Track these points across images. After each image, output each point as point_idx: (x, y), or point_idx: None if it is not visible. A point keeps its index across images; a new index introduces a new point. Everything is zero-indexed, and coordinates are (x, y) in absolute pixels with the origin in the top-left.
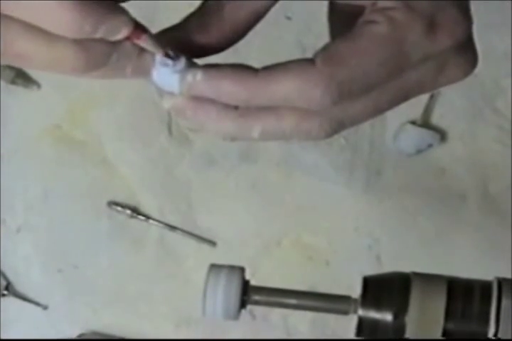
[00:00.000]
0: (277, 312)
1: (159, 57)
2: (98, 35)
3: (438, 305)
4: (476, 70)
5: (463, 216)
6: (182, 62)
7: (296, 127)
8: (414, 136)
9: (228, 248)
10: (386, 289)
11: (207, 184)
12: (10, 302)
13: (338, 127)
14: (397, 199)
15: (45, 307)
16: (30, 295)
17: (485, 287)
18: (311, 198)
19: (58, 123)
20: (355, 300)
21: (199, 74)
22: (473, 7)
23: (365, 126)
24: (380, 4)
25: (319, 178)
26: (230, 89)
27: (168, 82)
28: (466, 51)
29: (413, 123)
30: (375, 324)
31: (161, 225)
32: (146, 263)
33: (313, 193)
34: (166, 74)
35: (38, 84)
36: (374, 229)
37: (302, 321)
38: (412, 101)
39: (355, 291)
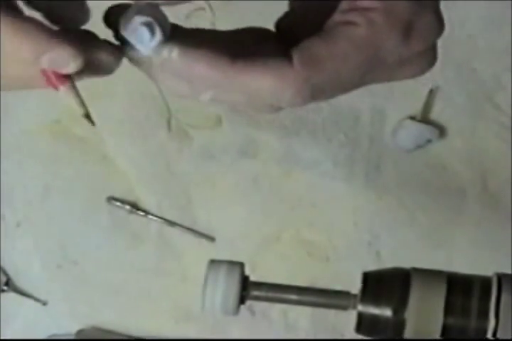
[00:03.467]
0: (277, 307)
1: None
2: (44, 65)
3: (437, 300)
4: (476, 65)
5: (462, 211)
6: (157, 38)
7: (247, 104)
8: (414, 132)
9: (227, 243)
10: (386, 285)
11: (206, 179)
12: (10, 297)
13: (280, 110)
14: (396, 194)
15: (44, 303)
16: (30, 290)
17: (484, 282)
18: (310, 194)
19: (58, 118)
20: (354, 295)
21: (175, 52)
22: (474, 3)
23: (365, 122)
24: (360, 3)
25: (319, 174)
26: (203, 72)
27: (140, 47)
28: (429, 53)
29: (412, 118)
30: (375, 319)
31: (160, 220)
32: (145, 259)
33: (312, 189)
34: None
35: None
36: (374, 224)
37: (302, 317)
38: (412, 96)
39: (355, 287)
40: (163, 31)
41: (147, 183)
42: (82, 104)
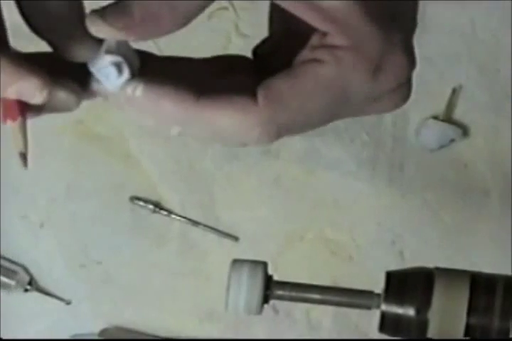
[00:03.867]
0: (300, 307)
1: (102, 69)
2: (11, 95)
3: (461, 300)
4: (500, 65)
5: (485, 211)
6: (124, 77)
7: (216, 141)
8: (437, 131)
9: (250, 243)
10: (409, 284)
11: (229, 179)
12: (33, 297)
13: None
14: (419, 194)
15: (68, 302)
16: (53, 290)
17: (508, 282)
18: (333, 193)
19: (81, 118)
20: (378, 295)
21: (139, 89)
22: (498, 2)
23: (388, 122)
24: (329, 40)
25: (342, 173)
26: (167, 109)
27: (106, 84)
28: (402, 88)
29: (435, 118)
30: (398, 319)
31: (183, 220)
32: (168, 258)
33: (335, 188)
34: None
35: None
36: (397, 224)
37: (325, 316)
38: (435, 96)
39: (378, 286)
40: (131, 69)
41: (170, 183)
42: (25, 142)
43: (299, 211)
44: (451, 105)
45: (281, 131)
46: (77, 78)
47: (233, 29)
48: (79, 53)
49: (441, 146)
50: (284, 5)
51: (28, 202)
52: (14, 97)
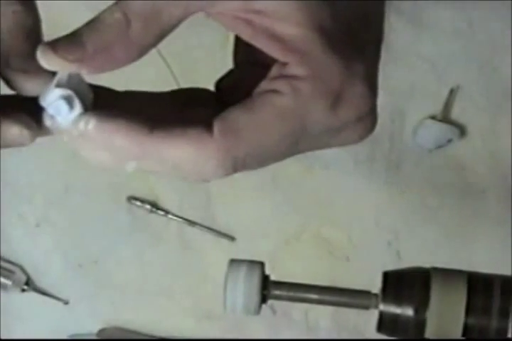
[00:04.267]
0: (298, 307)
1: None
2: None
3: (459, 300)
4: (498, 65)
5: (483, 211)
6: (76, 111)
7: (169, 173)
8: (434, 131)
9: (247, 242)
10: (406, 284)
11: (226, 179)
12: (30, 297)
13: (208, 181)
14: (417, 194)
15: (65, 302)
16: (51, 290)
17: (505, 282)
18: (331, 192)
19: None
20: (375, 295)
21: (91, 123)
22: (495, 2)
23: (385, 121)
24: (288, 70)
25: (339, 173)
26: (121, 144)
27: (58, 119)
28: (366, 120)
29: (433, 118)
30: (396, 319)
31: (180, 220)
32: (165, 258)
33: (333, 187)
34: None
35: None
36: (394, 223)
37: (323, 316)
38: (432, 95)
39: (375, 286)
40: (84, 103)
41: (167, 182)
42: None
43: (296, 210)
44: (448, 105)
45: (237, 164)
46: (31, 113)
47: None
48: (30, 87)
49: (439, 146)
50: (244, 36)
51: (25, 201)
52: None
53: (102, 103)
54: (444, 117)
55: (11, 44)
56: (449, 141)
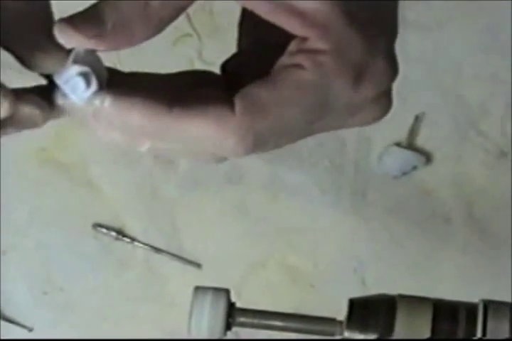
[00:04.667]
0: (263, 333)
1: (67, 85)
2: None
3: (424, 327)
4: (462, 92)
5: (448, 238)
6: (92, 89)
7: (187, 155)
8: (399, 158)
9: (213, 270)
10: (372, 311)
11: (192, 206)
12: None
13: (224, 160)
14: (382, 221)
15: (30, 330)
16: (16, 317)
17: (470, 309)
18: (296, 220)
19: (43, 145)
20: (340, 322)
21: (107, 100)
22: (460, 27)
23: (350, 148)
24: (309, 44)
25: (305, 200)
26: (138, 121)
27: (73, 97)
28: (383, 99)
29: (398, 144)
30: None
31: (146, 247)
32: (131, 285)
33: (298, 215)
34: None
35: None
36: (359, 251)
37: None
38: (398, 122)
39: (340, 314)
40: (99, 80)
41: (133, 210)
42: None
43: (262, 237)
44: (413, 132)
45: (258, 141)
46: (43, 93)
47: (196, 56)
48: (45, 64)
49: (404, 173)
50: (261, 12)
51: None
52: None
53: (116, 82)
54: (410, 144)
55: (23, 21)
56: (414, 167)
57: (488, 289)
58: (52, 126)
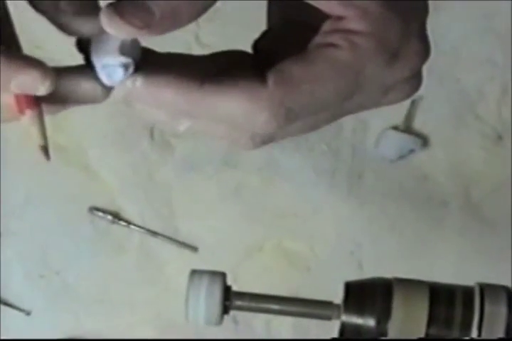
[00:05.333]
0: (260, 317)
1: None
2: (14, 90)
3: (420, 310)
4: (459, 76)
5: (445, 221)
6: (126, 75)
7: (225, 135)
8: (396, 142)
9: (209, 253)
10: (368, 294)
11: (188, 189)
12: None
13: (268, 141)
14: (379, 204)
15: (27, 313)
16: (13, 300)
17: (467, 292)
18: (292, 203)
19: None
20: (337, 305)
21: (138, 81)
22: (457, 11)
23: (347, 132)
24: (346, 25)
25: (301, 183)
26: (170, 99)
27: (107, 82)
28: (414, 78)
29: (395, 128)
30: (358, 329)
31: (142, 231)
32: (127, 269)
33: (295, 198)
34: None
35: None
36: (356, 234)
37: (285, 326)
38: (394, 106)
39: (337, 297)
40: (134, 64)
41: (129, 193)
42: (44, 135)
43: (258, 221)
44: (410, 115)
45: (290, 115)
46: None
47: (193, 39)
48: (82, 29)
49: (401, 157)
50: None
51: None
52: (18, 91)
53: (149, 61)
54: (406, 128)
55: None
56: (411, 151)
57: (485, 272)
58: None
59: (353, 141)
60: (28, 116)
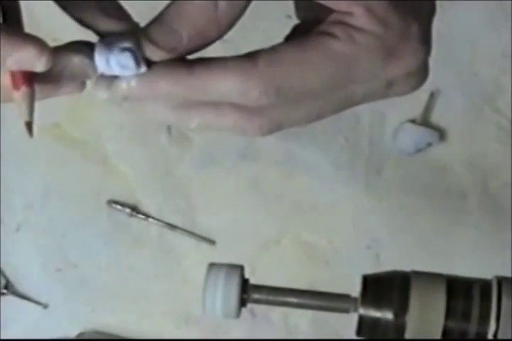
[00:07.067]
0: (278, 310)
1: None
2: (12, 67)
3: (438, 303)
4: (476, 69)
5: (463, 215)
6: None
7: (234, 124)
8: (414, 135)
9: (227, 246)
10: (386, 288)
11: (206, 183)
12: (9, 301)
13: (276, 129)
14: (397, 198)
15: (45, 306)
16: (30, 294)
17: (484, 286)
18: (310, 197)
19: (58, 121)
20: (355, 298)
21: (133, 81)
22: (473, 5)
23: (365, 125)
24: (350, 19)
25: (319, 177)
26: (166, 90)
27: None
28: (417, 74)
29: (413, 121)
30: (376, 322)
31: (160, 224)
32: (145, 262)
33: (312, 192)
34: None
35: None
36: (373, 227)
37: (303, 319)
38: (412, 99)
39: (355, 290)
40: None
41: (147, 186)
42: (32, 112)
43: (276, 215)
44: (428, 109)
45: (280, 94)
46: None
47: None
48: (102, 26)
49: (419, 150)
50: None
51: (4, 205)
52: (15, 68)
53: None
54: (424, 121)
55: None
56: (429, 144)
57: (503, 265)
58: (66, 101)
59: (370, 134)
60: (22, 92)
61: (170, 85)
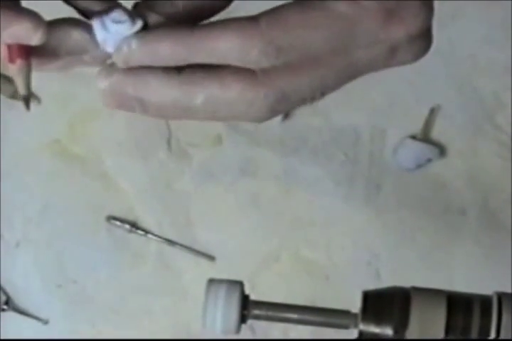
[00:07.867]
0: (278, 326)
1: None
2: (7, 40)
3: (438, 319)
4: (477, 84)
5: (462, 231)
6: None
7: (239, 96)
8: (414, 151)
9: (227, 262)
10: (386, 304)
11: (206, 198)
12: (10, 317)
13: (282, 99)
14: (396, 213)
15: (45, 322)
16: (30, 310)
17: (485, 301)
18: (310, 212)
19: (57, 137)
20: (355, 314)
21: (134, 43)
22: (474, 20)
23: (365, 141)
24: None
25: (319, 193)
26: (167, 51)
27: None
28: (420, 38)
29: (413, 137)
30: (376, 338)
31: (160, 240)
32: (145, 278)
33: (312, 207)
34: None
35: (38, 99)
36: (373, 243)
37: (303, 336)
38: (413, 115)
39: (355, 306)
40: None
41: (147, 202)
42: (28, 86)
43: (276, 230)
44: (428, 125)
45: (280, 54)
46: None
47: None
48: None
49: (419, 166)
50: None
51: (4, 221)
52: (11, 41)
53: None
54: (424, 137)
55: None
56: (429, 160)
57: (503, 281)
58: (66, 117)
59: (370, 149)
60: (18, 65)
61: (170, 46)
